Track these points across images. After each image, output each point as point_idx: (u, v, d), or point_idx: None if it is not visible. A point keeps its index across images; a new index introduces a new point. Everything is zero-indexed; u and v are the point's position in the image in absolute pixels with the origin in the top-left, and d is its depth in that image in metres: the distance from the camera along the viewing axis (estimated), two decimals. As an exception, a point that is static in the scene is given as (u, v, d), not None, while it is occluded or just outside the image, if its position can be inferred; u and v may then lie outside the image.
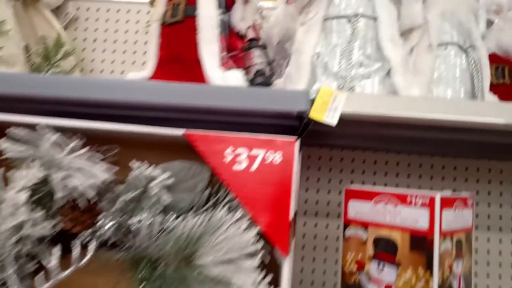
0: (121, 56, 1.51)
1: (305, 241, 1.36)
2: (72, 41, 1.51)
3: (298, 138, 0.74)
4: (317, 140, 1.27)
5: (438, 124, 0.79)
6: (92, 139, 0.81)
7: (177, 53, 0.95)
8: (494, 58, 1.17)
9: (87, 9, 1.53)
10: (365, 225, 0.86)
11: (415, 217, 0.77)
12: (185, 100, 0.82)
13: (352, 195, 0.90)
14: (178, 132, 0.78)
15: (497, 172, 1.35)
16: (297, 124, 0.91)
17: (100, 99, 0.81)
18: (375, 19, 0.94)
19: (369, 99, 0.79)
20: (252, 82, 0.91)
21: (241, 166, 0.75)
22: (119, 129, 0.80)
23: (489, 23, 1.19)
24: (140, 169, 0.80)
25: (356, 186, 0.91)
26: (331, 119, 0.73)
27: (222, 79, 0.89)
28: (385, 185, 1.36)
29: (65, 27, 1.50)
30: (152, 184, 0.80)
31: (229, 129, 0.99)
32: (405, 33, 1.03)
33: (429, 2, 1.04)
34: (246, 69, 0.93)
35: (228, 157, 0.76)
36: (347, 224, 0.90)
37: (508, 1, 1.33)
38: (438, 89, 0.97)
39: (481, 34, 1.07)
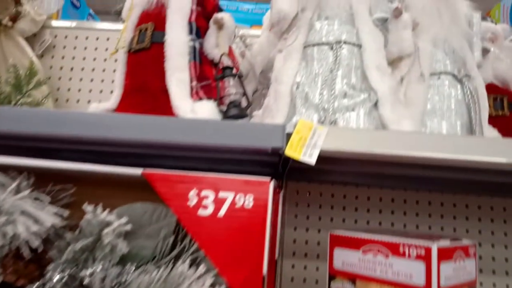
0: (99, 85, 1.43)
1: (293, 286, 1.24)
2: (48, 70, 1.44)
3: (272, 178, 0.65)
4: (304, 176, 1.17)
5: (433, 163, 0.70)
6: (41, 178, 0.72)
7: (143, 83, 0.87)
8: (491, 88, 1.10)
9: (65, 36, 1.47)
10: (352, 279, 0.75)
11: (409, 271, 0.67)
12: (148, 135, 0.73)
13: (338, 242, 0.79)
14: (136, 171, 0.69)
15: (500, 210, 1.25)
16: (276, 160, 0.82)
17: (53, 134, 0.72)
18: (359, 46, 0.87)
19: (354, 134, 0.70)
20: (225, 114, 0.83)
21: (207, 211, 0.66)
22: (71, 167, 0.70)
23: (485, 52, 1.12)
24: (93, 213, 0.70)
25: (342, 232, 0.81)
26: (309, 158, 0.64)
27: (192, 111, 0.80)
28: (380, 224, 1.25)
29: (41, 55, 1.44)
30: (107, 230, 0.70)
31: (201, 164, 0.90)
32: (394, 62, 0.95)
33: (419, 29, 0.97)
34: (220, 99, 0.85)
35: (192, 200, 0.66)
36: (333, 275, 0.79)
37: (503, 29, 1.27)
38: (432, 122, 0.88)
39: (477, 63, 1.00)
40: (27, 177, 0.71)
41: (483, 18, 1.15)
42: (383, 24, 0.92)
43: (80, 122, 0.73)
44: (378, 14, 0.91)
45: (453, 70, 0.94)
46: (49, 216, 0.69)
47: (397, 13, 0.94)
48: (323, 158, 0.67)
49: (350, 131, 0.69)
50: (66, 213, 0.71)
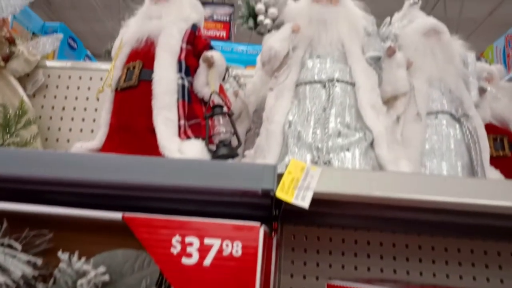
0: (91, 124, 1.41)
1: None
2: (40, 109, 1.42)
3: (263, 223, 0.60)
4: (300, 219, 1.12)
5: (435, 206, 0.65)
6: (16, 223, 0.67)
7: (129, 121, 0.84)
8: (491, 129, 1.07)
9: (58, 76, 1.46)
10: (352, 335, 0.68)
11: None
12: (131, 176, 0.69)
13: (336, 293, 0.73)
14: (116, 215, 0.64)
15: (495, 255, 1.17)
16: (268, 202, 0.78)
17: (29, 175, 0.68)
18: (353, 84, 0.85)
19: (350, 176, 0.66)
20: (214, 154, 0.79)
21: (191, 259, 0.60)
22: (48, 211, 0.66)
23: (481, 91, 1.10)
24: (68, 261, 0.65)
25: (340, 282, 0.75)
26: (302, 201, 0.60)
27: (179, 150, 0.77)
28: (381, 270, 1.18)
29: (33, 95, 1.43)
30: (82, 281, 0.64)
31: (188, 206, 0.85)
32: (389, 101, 0.93)
33: (413, 68, 0.96)
34: (209, 138, 0.82)
35: (176, 248, 0.61)
36: (330, 332, 0.72)
37: (498, 70, 1.27)
38: (431, 163, 0.85)
39: (474, 103, 0.98)
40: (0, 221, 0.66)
41: (477, 58, 1.15)
42: (376, 62, 0.91)
43: (60, 162, 0.69)
44: (371, 53, 0.90)
45: (451, 109, 0.92)
46: (19, 265, 0.64)
47: (391, 52, 0.93)
48: (317, 200, 0.63)
49: (346, 172, 0.65)
50: (39, 261, 0.66)
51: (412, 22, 1.04)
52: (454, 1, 5.21)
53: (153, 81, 0.85)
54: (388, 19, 1.03)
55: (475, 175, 0.84)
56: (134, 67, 0.88)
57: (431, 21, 1.02)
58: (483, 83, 1.11)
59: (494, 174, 0.91)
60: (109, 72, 0.93)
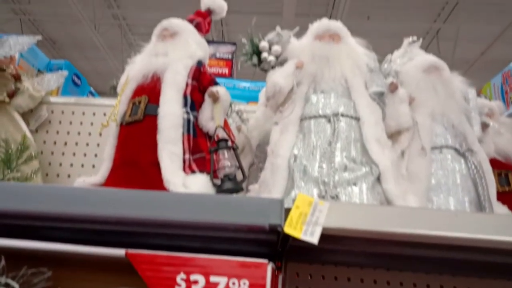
0: (92, 159, 1.40)
1: None
2: (42, 144, 1.42)
3: (270, 260, 0.58)
4: (305, 256, 1.09)
5: (444, 242, 0.64)
6: (14, 261, 0.65)
7: (134, 156, 0.84)
8: (495, 164, 1.07)
9: (61, 112, 1.47)
10: None
11: None
12: (135, 211, 0.67)
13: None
14: (119, 252, 0.62)
15: None
16: (274, 239, 0.76)
17: (28, 210, 0.66)
18: (357, 119, 0.85)
19: (359, 210, 0.64)
20: (219, 188, 0.78)
21: (196, 299, 0.58)
22: (47, 248, 0.64)
23: (483, 126, 1.11)
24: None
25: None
26: (311, 236, 0.58)
27: (183, 185, 0.76)
28: (388, 311, 1.13)
29: (36, 130, 1.43)
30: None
31: (192, 243, 0.83)
32: (393, 136, 0.94)
33: (415, 104, 0.97)
34: (213, 172, 0.81)
35: (181, 286, 0.59)
36: None
37: (498, 106, 1.29)
38: (438, 198, 0.84)
39: (477, 138, 0.98)
40: (-2, 259, 0.64)
41: (477, 95, 1.16)
42: (380, 98, 0.92)
43: (62, 196, 0.68)
44: (374, 88, 0.91)
45: (455, 144, 0.92)
46: (16, 306, 0.61)
47: (393, 87, 0.95)
48: (325, 236, 0.61)
49: (355, 207, 0.64)
50: (37, 302, 0.63)
51: (412, 60, 1.06)
52: (447, 42, 5.39)
53: (159, 116, 0.86)
54: (389, 56, 1.06)
55: (483, 211, 0.83)
56: (140, 102, 0.89)
57: (431, 58, 1.05)
58: (485, 118, 1.12)
59: (502, 209, 0.89)
60: (115, 106, 0.94)
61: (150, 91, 0.91)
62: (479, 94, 1.51)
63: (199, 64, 0.97)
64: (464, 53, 5.31)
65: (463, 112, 0.98)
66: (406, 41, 1.11)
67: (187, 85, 0.92)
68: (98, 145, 1.42)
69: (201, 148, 0.87)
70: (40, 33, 6.35)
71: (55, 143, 1.43)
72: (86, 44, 6.36)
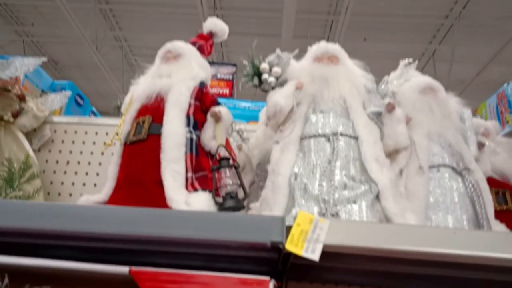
0: (94, 178, 1.41)
1: None
2: (44, 163, 1.43)
3: (272, 278, 0.58)
4: (305, 274, 1.08)
5: (444, 260, 0.65)
6: (17, 279, 0.65)
7: (137, 174, 0.85)
8: (492, 183, 1.08)
9: (64, 131, 1.49)
10: None
11: None
12: (138, 228, 0.68)
13: None
14: (123, 269, 0.63)
15: None
16: (275, 256, 0.76)
17: (32, 228, 0.67)
18: (356, 138, 0.87)
19: (359, 228, 0.66)
20: (221, 206, 0.79)
21: (198, 316, 0.58)
22: (50, 265, 0.65)
23: (479, 145, 1.13)
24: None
25: None
26: (312, 253, 0.59)
27: (186, 202, 0.77)
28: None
29: (39, 149, 1.45)
30: None
31: (194, 261, 0.83)
32: (391, 155, 0.95)
33: (412, 124, 0.99)
34: (215, 190, 0.82)
35: (184, 303, 0.59)
36: None
37: (494, 125, 1.31)
38: (437, 216, 0.85)
39: (474, 157, 1.00)
40: (0, 277, 0.64)
41: (472, 115, 1.19)
42: (377, 117, 0.94)
43: (66, 215, 0.69)
44: (372, 108, 0.94)
45: (452, 163, 0.94)
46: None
47: (390, 108, 0.97)
48: (326, 253, 0.62)
49: (355, 224, 0.65)
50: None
51: (408, 81, 1.09)
52: (443, 63, 5.48)
53: (162, 135, 0.88)
54: (386, 77, 1.09)
55: (481, 229, 0.84)
56: (144, 122, 0.91)
57: (427, 79, 1.08)
58: (480, 137, 1.14)
59: (499, 227, 0.90)
60: (119, 126, 0.96)
61: (154, 111, 0.93)
62: (474, 114, 1.54)
63: (202, 85, 1.00)
64: (460, 73, 5.40)
65: (459, 132, 1.00)
66: (402, 63, 1.14)
67: (190, 105, 0.95)
68: (100, 164, 1.43)
69: (203, 167, 0.88)
70: (43, 54, 6.45)
71: (57, 162, 1.45)
72: (87, 65, 6.45)
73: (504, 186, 1.14)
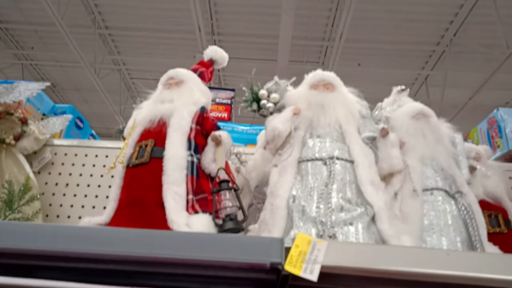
0: (93, 200, 1.42)
1: None
2: (43, 185, 1.44)
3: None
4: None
5: (436, 280, 0.66)
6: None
7: (139, 196, 0.87)
8: (484, 205, 1.11)
9: (64, 154, 1.51)
10: None
11: None
12: (140, 249, 0.69)
13: None
14: (125, 291, 0.63)
15: None
16: (274, 278, 0.77)
17: (31, 249, 0.68)
18: (352, 162, 0.91)
19: (356, 250, 0.67)
20: (221, 228, 0.81)
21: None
22: (50, 286, 0.65)
23: (471, 169, 1.16)
24: None
25: None
26: (310, 274, 0.61)
27: (187, 224, 0.78)
28: None
29: (39, 171, 1.46)
30: None
31: (193, 284, 0.84)
32: (386, 178, 0.98)
33: (406, 148, 1.03)
34: (215, 213, 0.84)
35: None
36: None
37: (485, 150, 1.35)
38: (431, 238, 0.87)
39: (466, 180, 1.03)
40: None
41: (464, 140, 1.23)
42: (372, 142, 0.98)
43: (68, 236, 0.70)
44: (366, 133, 0.97)
45: (445, 186, 0.97)
46: None
47: (384, 133, 1.01)
48: (323, 274, 0.64)
49: (352, 246, 0.67)
50: None
51: (401, 107, 1.13)
52: (436, 87, 5.59)
53: (165, 158, 0.90)
54: (380, 104, 1.13)
55: (475, 251, 0.86)
56: (146, 145, 0.93)
57: (419, 105, 1.12)
58: (472, 161, 1.18)
59: (492, 249, 0.92)
60: (122, 149, 0.98)
61: (156, 135, 0.96)
62: (466, 138, 1.58)
63: (202, 110, 1.03)
64: (452, 98, 5.51)
65: (451, 156, 1.03)
66: (395, 89, 1.19)
67: (191, 129, 0.98)
68: (99, 186, 1.44)
69: (204, 189, 0.90)
70: (41, 77, 6.52)
71: (56, 184, 1.46)
72: (85, 88, 6.52)
73: (496, 209, 1.17)
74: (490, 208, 1.16)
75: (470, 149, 1.24)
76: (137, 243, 0.71)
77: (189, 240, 0.71)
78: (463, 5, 4.59)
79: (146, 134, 0.98)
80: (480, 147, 1.35)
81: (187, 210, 0.85)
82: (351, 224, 0.79)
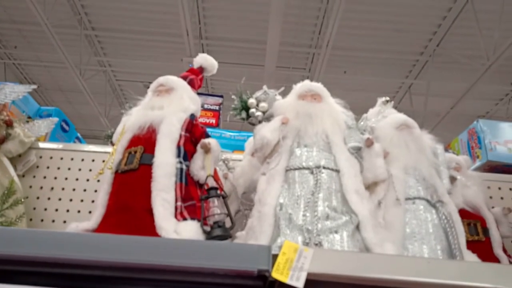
0: (78, 205, 1.41)
1: None
2: (28, 189, 1.42)
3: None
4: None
5: None
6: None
7: (127, 202, 0.88)
8: (464, 214, 1.15)
9: (50, 157, 1.50)
10: None
11: None
12: (127, 256, 0.70)
13: None
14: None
15: None
16: (261, 284, 0.79)
17: (15, 255, 0.68)
18: (337, 171, 0.93)
19: (341, 257, 0.69)
20: (209, 235, 0.82)
21: None
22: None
23: (452, 179, 1.20)
24: None
25: None
26: (297, 281, 0.62)
27: (175, 231, 0.79)
28: None
29: (23, 175, 1.44)
30: None
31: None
32: (370, 187, 1.01)
33: (390, 158, 1.06)
34: (204, 219, 0.85)
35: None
36: None
37: (465, 160, 1.39)
38: (413, 246, 0.90)
39: (447, 190, 1.07)
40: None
41: (445, 150, 1.27)
42: (357, 152, 1.00)
43: (53, 241, 0.70)
44: (352, 144, 1.00)
45: (426, 195, 1.00)
46: None
47: (369, 143, 1.04)
48: (309, 281, 0.65)
49: (337, 254, 0.69)
50: None
51: (385, 117, 1.16)
52: (419, 96, 5.72)
53: (154, 165, 0.91)
54: (365, 114, 1.16)
55: (454, 258, 0.89)
56: (135, 152, 0.94)
57: (403, 117, 1.15)
58: (453, 172, 1.22)
59: (471, 257, 0.96)
60: (110, 155, 0.98)
61: (145, 141, 0.97)
62: (447, 148, 1.63)
63: (192, 117, 1.05)
64: (435, 106, 5.64)
65: (433, 166, 1.07)
66: (380, 100, 1.22)
67: (180, 136, 0.99)
68: (85, 190, 1.43)
69: (192, 196, 0.91)
70: (24, 77, 6.40)
71: (41, 188, 1.44)
72: (70, 89, 6.43)
73: (475, 218, 1.21)
74: (470, 216, 1.20)
75: (450, 159, 1.28)
76: (126, 249, 0.72)
77: (177, 246, 0.72)
78: (446, 16, 4.72)
79: (135, 141, 0.98)
80: (460, 157, 1.40)
81: (176, 217, 0.85)
82: (336, 232, 0.82)
